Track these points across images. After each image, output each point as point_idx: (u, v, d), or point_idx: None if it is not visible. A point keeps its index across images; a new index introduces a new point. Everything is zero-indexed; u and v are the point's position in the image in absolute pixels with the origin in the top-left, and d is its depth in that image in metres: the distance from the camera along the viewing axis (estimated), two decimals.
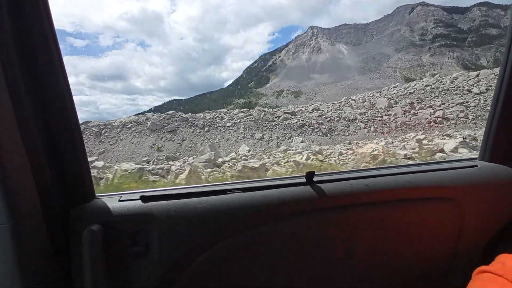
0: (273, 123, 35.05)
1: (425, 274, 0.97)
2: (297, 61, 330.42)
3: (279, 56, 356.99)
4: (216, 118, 36.63)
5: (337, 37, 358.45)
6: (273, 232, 0.89)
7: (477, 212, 0.93)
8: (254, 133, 34.52)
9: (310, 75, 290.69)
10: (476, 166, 0.99)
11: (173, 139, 34.14)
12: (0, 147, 0.64)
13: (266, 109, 38.14)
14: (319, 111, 40.74)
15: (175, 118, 35.64)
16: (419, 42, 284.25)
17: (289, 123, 35.41)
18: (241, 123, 36.07)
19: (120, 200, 0.89)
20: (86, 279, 0.79)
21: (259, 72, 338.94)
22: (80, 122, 0.81)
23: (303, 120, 35.66)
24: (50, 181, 0.78)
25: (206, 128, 35.82)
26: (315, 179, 0.93)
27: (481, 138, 1.02)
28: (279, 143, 32.23)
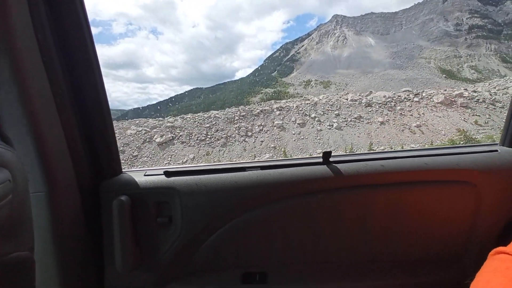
0: None
1: (438, 256, 0.98)
2: (322, 50, 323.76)
3: (302, 46, 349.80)
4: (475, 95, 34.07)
5: (363, 27, 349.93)
6: (288, 208, 0.92)
7: (495, 196, 0.93)
8: None
9: (336, 65, 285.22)
10: (496, 151, 0.98)
11: (483, 114, 32.24)
12: (40, 124, 0.69)
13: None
14: None
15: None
16: (454, 32, 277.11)
17: None
18: None
19: (145, 175, 0.95)
20: (116, 244, 0.85)
21: (282, 61, 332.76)
22: None
23: None
24: (84, 156, 0.84)
25: None
26: (331, 159, 0.94)
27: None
28: None
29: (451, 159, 0.95)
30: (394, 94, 31.72)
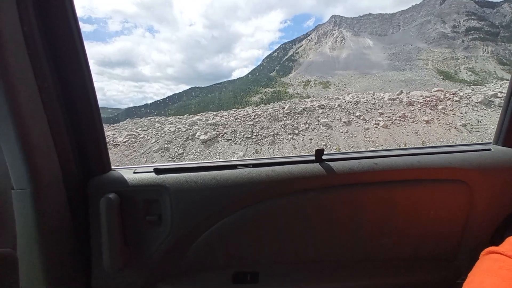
0: None
1: (431, 254, 0.97)
2: (320, 51, 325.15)
3: (301, 46, 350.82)
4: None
5: (361, 27, 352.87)
6: (280, 207, 0.90)
7: (488, 195, 0.92)
8: None
9: (335, 65, 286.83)
10: (490, 149, 0.97)
11: None
12: (24, 119, 0.67)
13: None
14: None
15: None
16: (452, 34, 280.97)
17: None
18: None
19: (134, 172, 0.93)
20: (103, 243, 0.83)
21: (280, 61, 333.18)
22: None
23: None
24: (71, 152, 0.82)
25: None
26: (324, 157, 0.93)
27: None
28: None
29: (444, 157, 0.94)
30: (430, 93, 31.79)
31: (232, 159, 1.06)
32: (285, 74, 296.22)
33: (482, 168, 0.91)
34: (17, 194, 0.67)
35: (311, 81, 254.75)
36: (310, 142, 26.17)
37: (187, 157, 24.34)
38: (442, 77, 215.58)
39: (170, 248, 0.88)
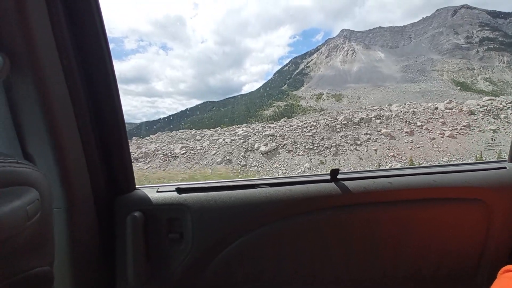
0: None
1: (450, 273, 0.96)
2: (331, 64, 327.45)
3: (311, 60, 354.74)
4: None
5: (372, 40, 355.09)
6: (297, 225, 0.92)
7: (505, 213, 0.92)
8: None
9: (347, 78, 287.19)
10: (505, 168, 0.97)
11: None
12: (62, 142, 0.72)
13: None
14: None
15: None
16: (465, 45, 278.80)
17: None
18: None
19: (158, 191, 0.97)
20: (128, 259, 0.87)
21: (291, 75, 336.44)
22: None
23: None
24: (101, 173, 0.87)
25: None
26: (339, 176, 0.95)
27: None
28: None
29: (459, 176, 0.94)
30: (484, 101, 31.02)
31: (250, 178, 1.10)
32: (297, 88, 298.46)
33: (498, 187, 0.92)
34: (54, 213, 0.70)
35: (323, 94, 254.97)
36: (376, 153, 25.57)
37: (250, 169, 24.17)
38: (458, 87, 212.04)
39: (190, 264, 0.91)
